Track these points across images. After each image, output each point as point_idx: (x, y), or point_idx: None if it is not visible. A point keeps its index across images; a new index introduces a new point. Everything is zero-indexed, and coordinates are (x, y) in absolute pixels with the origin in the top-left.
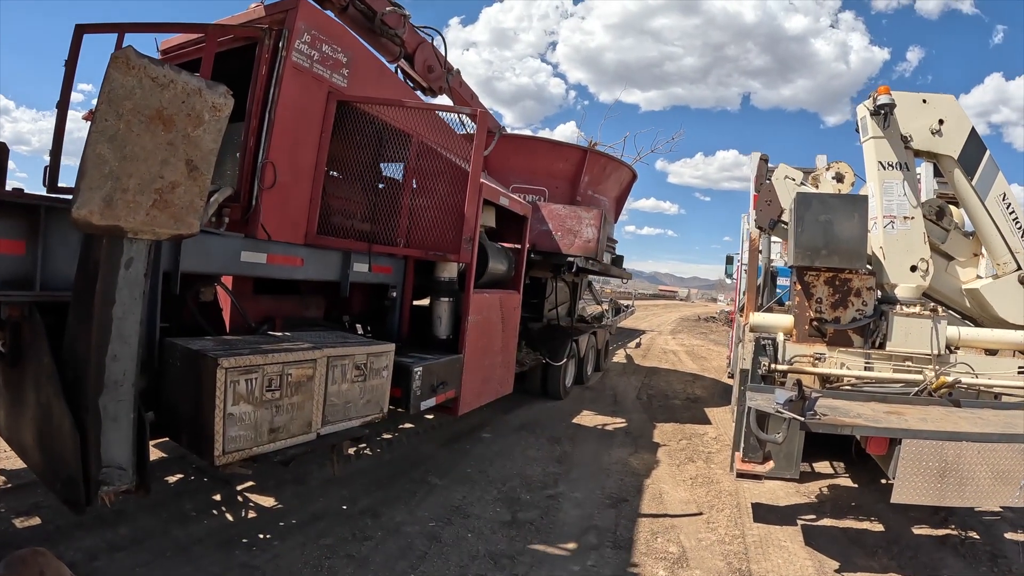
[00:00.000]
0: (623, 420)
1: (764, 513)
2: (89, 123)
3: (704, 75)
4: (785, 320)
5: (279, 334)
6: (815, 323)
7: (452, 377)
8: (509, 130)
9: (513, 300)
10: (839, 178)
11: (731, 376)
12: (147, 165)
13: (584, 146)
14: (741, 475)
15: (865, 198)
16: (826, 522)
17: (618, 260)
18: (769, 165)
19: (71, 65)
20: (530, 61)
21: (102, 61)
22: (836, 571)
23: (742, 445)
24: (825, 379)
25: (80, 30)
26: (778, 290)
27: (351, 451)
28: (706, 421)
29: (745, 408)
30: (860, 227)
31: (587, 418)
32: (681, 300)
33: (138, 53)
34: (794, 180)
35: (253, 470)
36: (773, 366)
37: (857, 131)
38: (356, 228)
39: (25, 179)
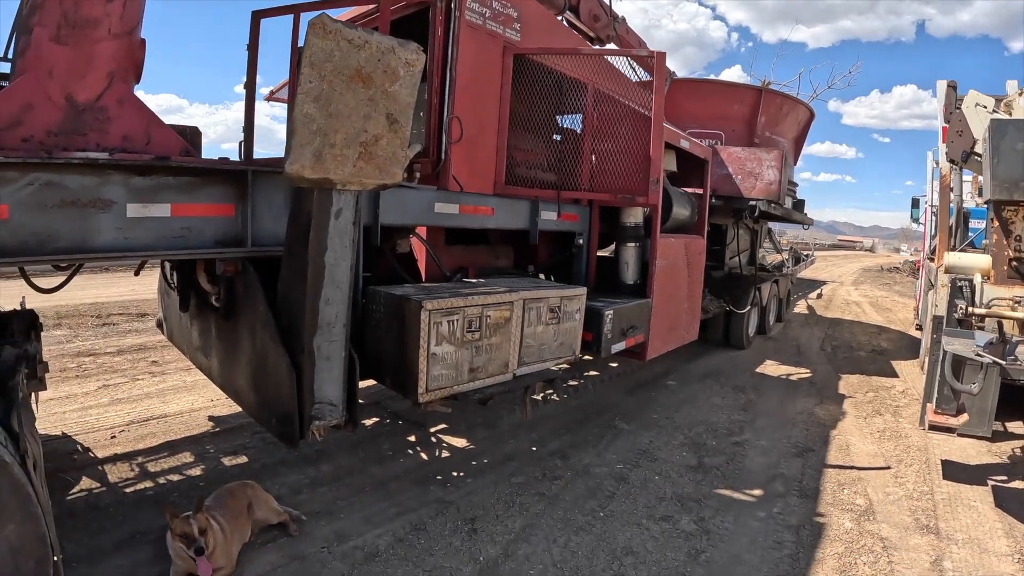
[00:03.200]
0: (807, 371)
1: (954, 471)
2: (289, 93)
3: (873, 3)
4: (982, 260)
5: (475, 280)
6: (1015, 263)
7: (641, 321)
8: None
9: (698, 245)
10: None
11: (919, 328)
12: (351, 120)
13: (758, 86)
14: (933, 427)
15: None
16: (1018, 484)
17: (799, 204)
18: (958, 93)
19: (253, 49)
20: (686, 5)
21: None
22: None
23: (935, 395)
24: None
25: (257, 15)
26: (971, 233)
27: (539, 396)
28: (893, 374)
29: (940, 353)
30: None
31: (770, 368)
32: (865, 251)
33: (332, 19)
34: (986, 107)
35: (452, 408)
36: (970, 310)
37: None
38: (541, 178)
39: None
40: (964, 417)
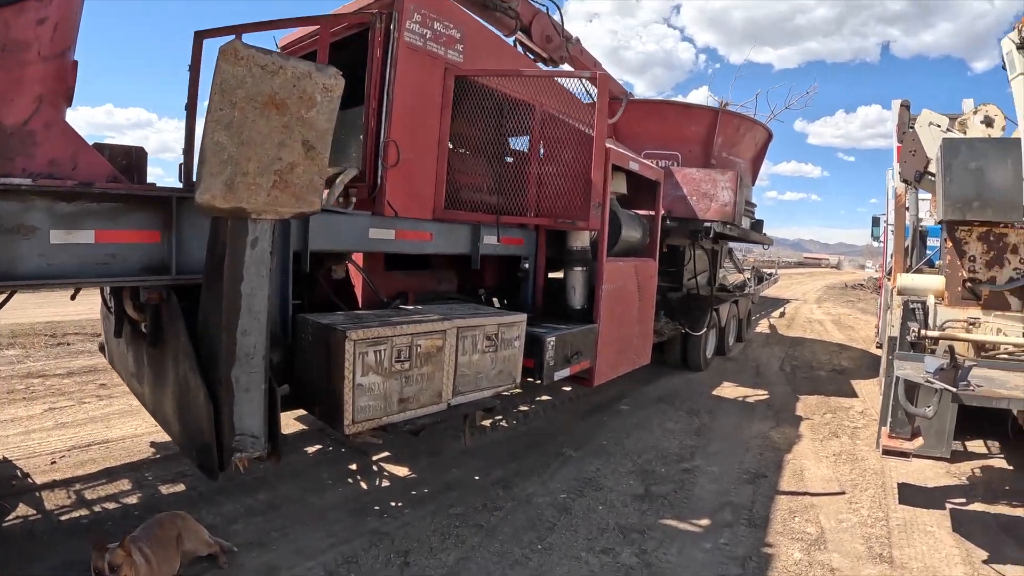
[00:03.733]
0: (765, 392)
1: (911, 494)
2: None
3: (838, 26)
4: (936, 282)
5: (410, 307)
6: (968, 284)
7: (586, 347)
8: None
9: (649, 268)
10: (988, 122)
11: (879, 346)
12: (264, 148)
13: (715, 107)
14: (887, 452)
15: (1019, 141)
16: (977, 507)
17: (758, 225)
18: (911, 113)
19: (195, 70)
20: (655, 27)
21: None
22: (984, 562)
23: (889, 419)
24: (980, 346)
25: (199, 36)
26: (928, 251)
27: (486, 423)
28: (852, 394)
29: (893, 378)
30: (1015, 174)
31: (727, 390)
32: (831, 268)
33: (245, 44)
34: (939, 127)
35: (384, 440)
36: (923, 332)
37: (1004, 69)
38: (485, 201)
39: (173, 182)
40: (919, 441)
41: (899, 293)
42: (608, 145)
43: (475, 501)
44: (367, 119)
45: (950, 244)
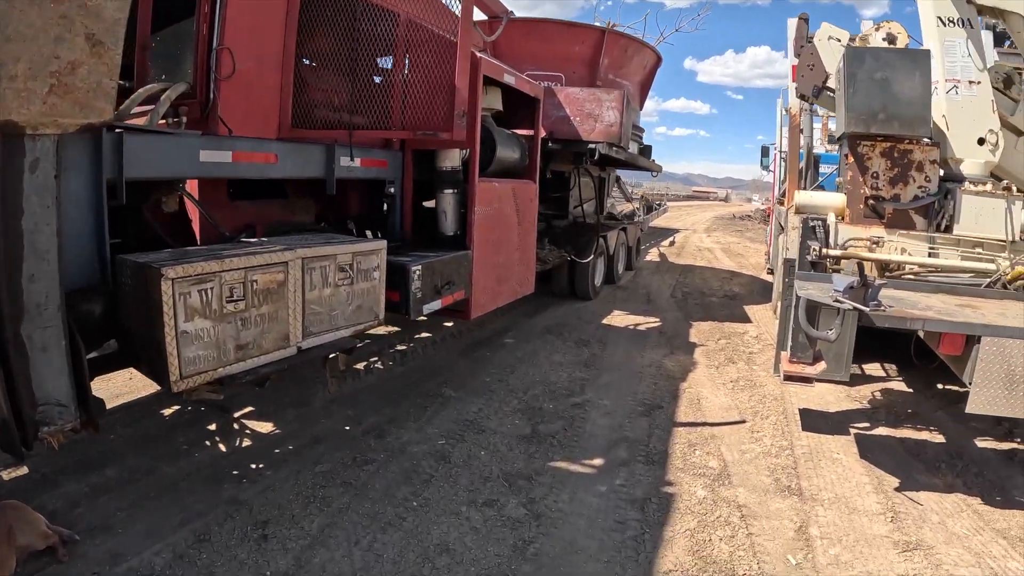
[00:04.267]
0: (657, 319)
1: (813, 420)
2: None
3: None
4: (836, 199)
5: (253, 240)
6: (871, 202)
7: (460, 276)
8: None
9: (528, 191)
10: (891, 39)
11: (771, 272)
12: (37, 44)
13: (601, 27)
14: (789, 377)
15: (928, 52)
16: (881, 431)
17: (646, 150)
18: (809, 28)
19: None
20: None
21: None
22: (896, 489)
23: (789, 344)
24: (884, 266)
25: None
26: (820, 176)
27: (359, 366)
28: (746, 319)
29: (793, 299)
30: (923, 86)
31: (618, 318)
32: (720, 201)
33: None
34: (839, 41)
35: (241, 394)
36: (825, 251)
37: None
38: (344, 121)
39: None
40: (821, 365)
41: (796, 212)
42: (482, 57)
43: (344, 455)
44: (198, 25)
45: (851, 159)
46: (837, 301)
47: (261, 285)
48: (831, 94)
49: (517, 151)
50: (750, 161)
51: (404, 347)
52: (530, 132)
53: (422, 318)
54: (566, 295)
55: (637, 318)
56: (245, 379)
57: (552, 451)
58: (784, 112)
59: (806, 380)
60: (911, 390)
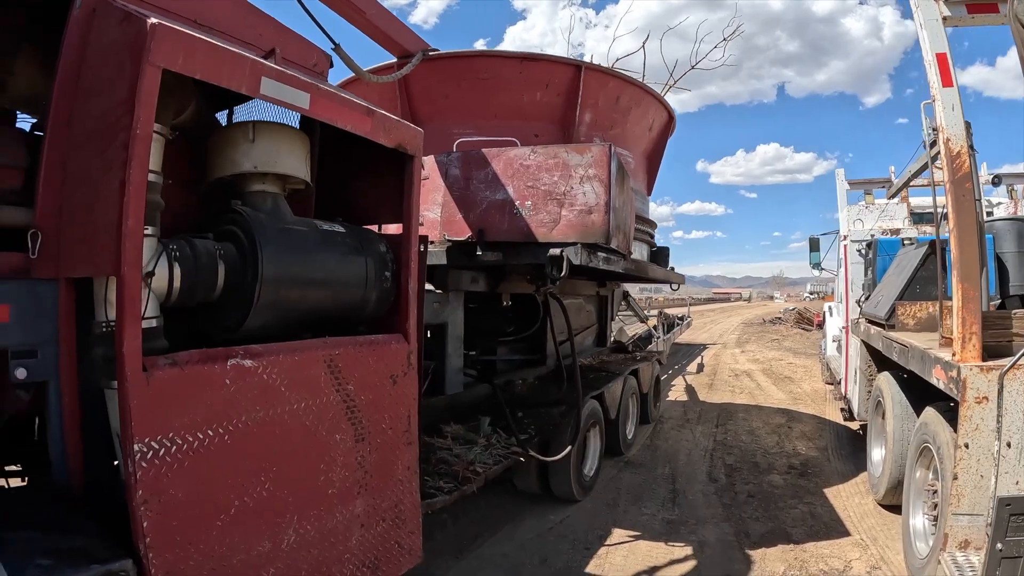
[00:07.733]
0: (688, 549)
1: None
2: None
3: (735, 70)
4: None
5: None
6: None
7: None
8: None
9: (387, 358)
10: None
11: (846, 412)
12: None
13: (576, 60)
14: None
15: None
16: None
17: (661, 253)
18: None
19: None
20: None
21: None
22: None
23: None
24: None
25: None
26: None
27: None
28: (837, 528)
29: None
30: None
31: (619, 545)
32: (743, 301)
33: None
34: None
35: None
36: None
37: None
38: None
39: None
40: None
41: None
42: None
43: None
44: None
45: None
46: None
47: None
48: None
49: (346, 266)
50: (767, 259)
51: None
52: (398, 229)
53: None
54: (536, 493)
55: (652, 546)
56: None
57: None
58: (848, 187)
59: None
60: None
